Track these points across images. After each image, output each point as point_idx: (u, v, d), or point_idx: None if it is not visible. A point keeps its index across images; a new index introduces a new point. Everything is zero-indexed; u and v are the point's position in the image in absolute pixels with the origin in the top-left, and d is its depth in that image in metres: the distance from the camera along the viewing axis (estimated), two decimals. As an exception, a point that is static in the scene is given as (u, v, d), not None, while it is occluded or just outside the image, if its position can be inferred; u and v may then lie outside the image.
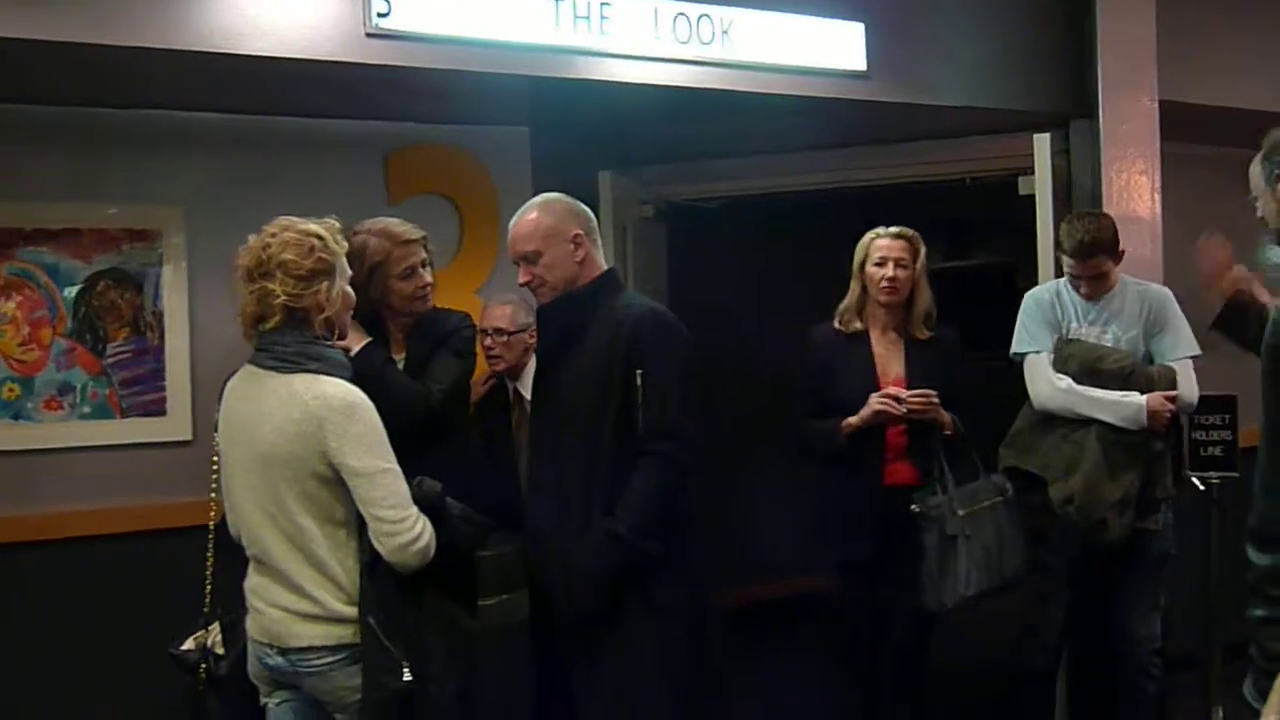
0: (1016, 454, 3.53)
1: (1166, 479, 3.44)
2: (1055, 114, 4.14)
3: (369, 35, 3.10)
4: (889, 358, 3.52)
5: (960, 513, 3.32)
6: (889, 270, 3.47)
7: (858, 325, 3.54)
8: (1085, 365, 3.41)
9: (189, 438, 3.58)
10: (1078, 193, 4.08)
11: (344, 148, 3.81)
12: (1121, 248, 3.47)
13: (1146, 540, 3.44)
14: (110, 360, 3.53)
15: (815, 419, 3.49)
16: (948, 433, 3.40)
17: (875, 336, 3.54)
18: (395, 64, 3.16)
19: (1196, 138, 4.53)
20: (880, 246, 3.50)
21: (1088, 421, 3.36)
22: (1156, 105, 4.01)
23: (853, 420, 3.39)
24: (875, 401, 3.37)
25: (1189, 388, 3.41)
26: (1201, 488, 3.85)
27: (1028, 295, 3.60)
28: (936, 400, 3.37)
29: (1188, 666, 4.08)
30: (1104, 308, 3.49)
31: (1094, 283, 3.46)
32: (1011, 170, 4.24)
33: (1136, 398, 3.34)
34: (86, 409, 3.49)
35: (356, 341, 2.77)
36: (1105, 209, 3.95)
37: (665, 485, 2.64)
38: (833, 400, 3.47)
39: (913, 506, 3.31)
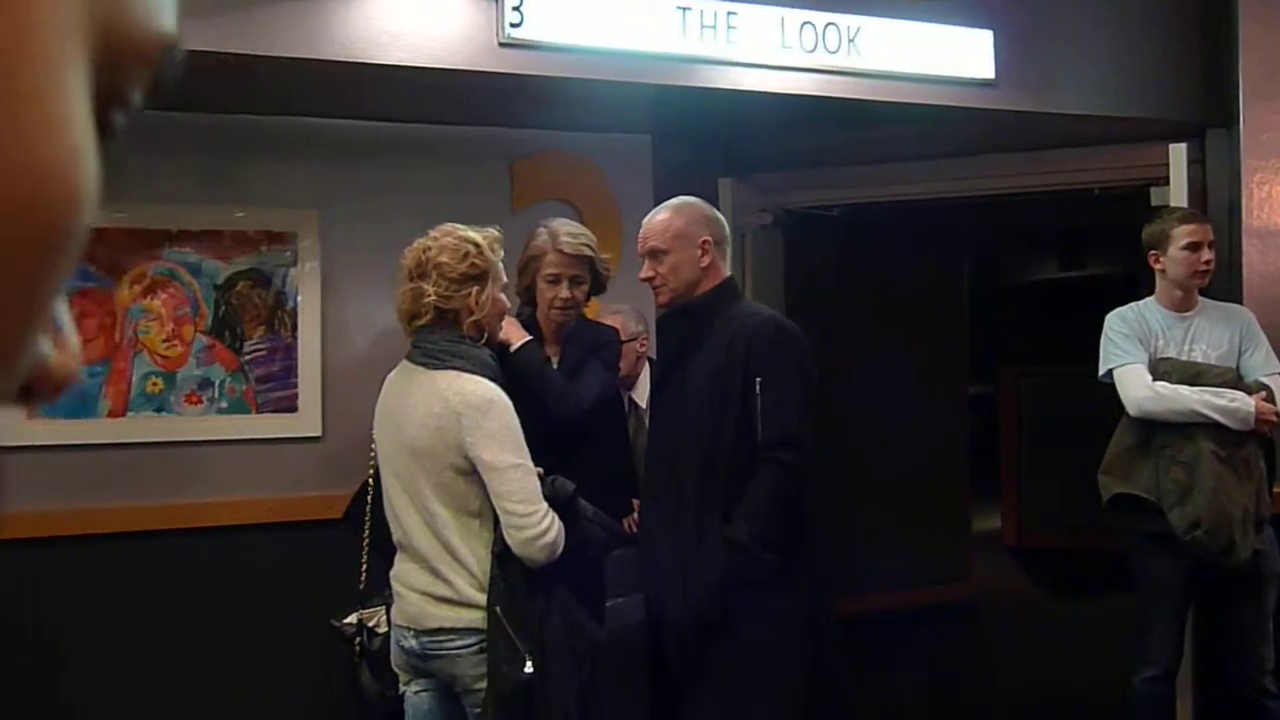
0: (1118, 480, 3.44)
1: (1267, 495, 3.37)
2: (1191, 122, 4.02)
3: (502, 45, 3.18)
4: None
5: None
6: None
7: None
8: (1185, 380, 3.34)
9: (319, 434, 3.70)
10: (1214, 204, 3.95)
11: (470, 154, 3.90)
12: None
13: (1255, 560, 3.35)
14: (247, 357, 3.67)
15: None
16: None
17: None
18: (526, 73, 3.23)
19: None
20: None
21: (1191, 436, 3.27)
22: (1301, 113, 3.85)
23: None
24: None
25: None
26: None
27: (1111, 315, 3.52)
28: None
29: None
30: (1189, 327, 3.44)
31: (1205, 267, 3.41)
32: (1143, 180, 4.13)
33: (1244, 397, 3.26)
34: (224, 403, 3.64)
35: (518, 339, 2.86)
36: (1245, 221, 3.83)
37: (783, 494, 2.64)
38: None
39: None
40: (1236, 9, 3.87)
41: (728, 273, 2.88)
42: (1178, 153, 3.90)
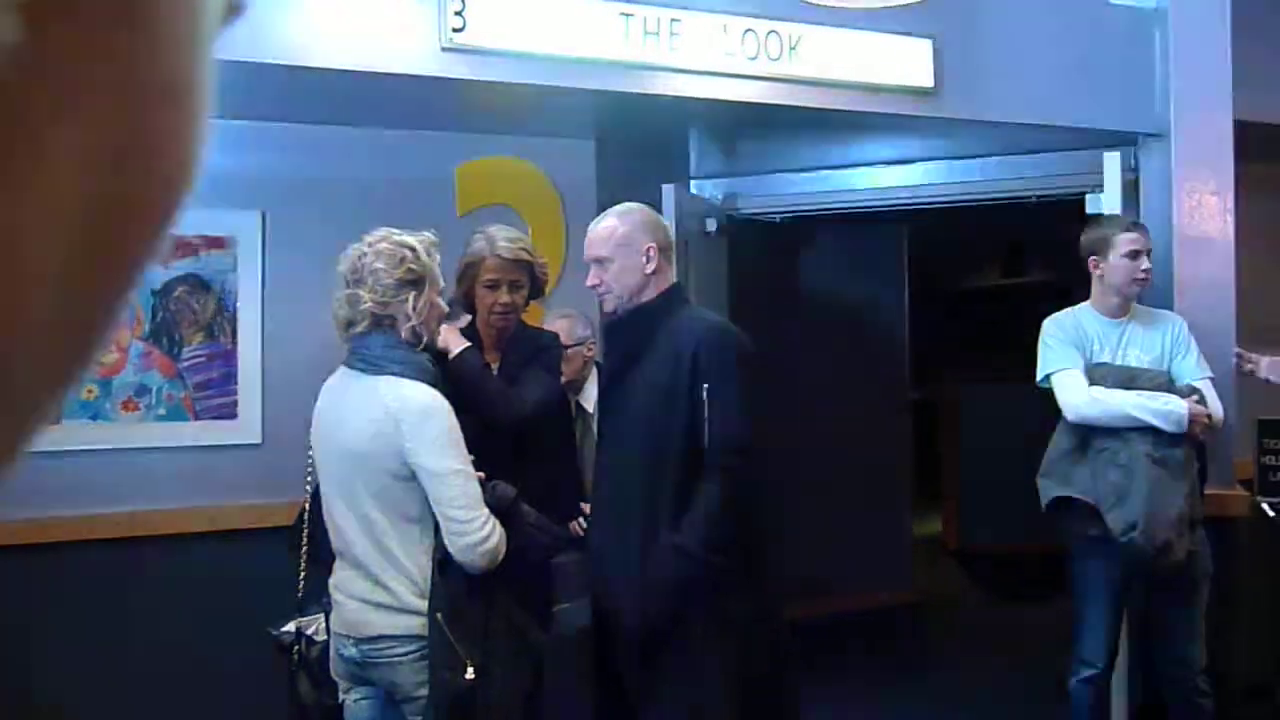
0: (1057, 484, 3.49)
1: (1200, 497, 3.43)
2: (1125, 132, 4.11)
3: (444, 49, 3.17)
4: None
5: None
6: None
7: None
8: (1120, 384, 3.40)
9: (258, 441, 3.65)
10: (1147, 212, 4.04)
11: (414, 159, 3.88)
12: None
13: (1189, 561, 3.40)
14: (185, 364, 3.61)
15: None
16: None
17: None
18: (469, 78, 3.22)
19: (1276, 157, 4.47)
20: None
21: (1127, 439, 3.33)
22: (1231, 124, 3.95)
23: None
24: None
25: (1217, 405, 3.42)
26: (1271, 513, 3.79)
27: (1048, 321, 3.58)
28: None
29: (1259, 696, 4.00)
30: (1123, 333, 3.51)
31: (1144, 275, 3.49)
32: (1079, 189, 4.21)
33: (1178, 400, 3.33)
34: (161, 411, 3.58)
35: (456, 345, 2.85)
36: (1176, 229, 3.92)
37: (731, 500, 2.65)
38: None
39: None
40: (1169, 22, 3.96)
41: (674, 279, 2.89)
42: (1112, 161, 3.98)
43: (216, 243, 3.65)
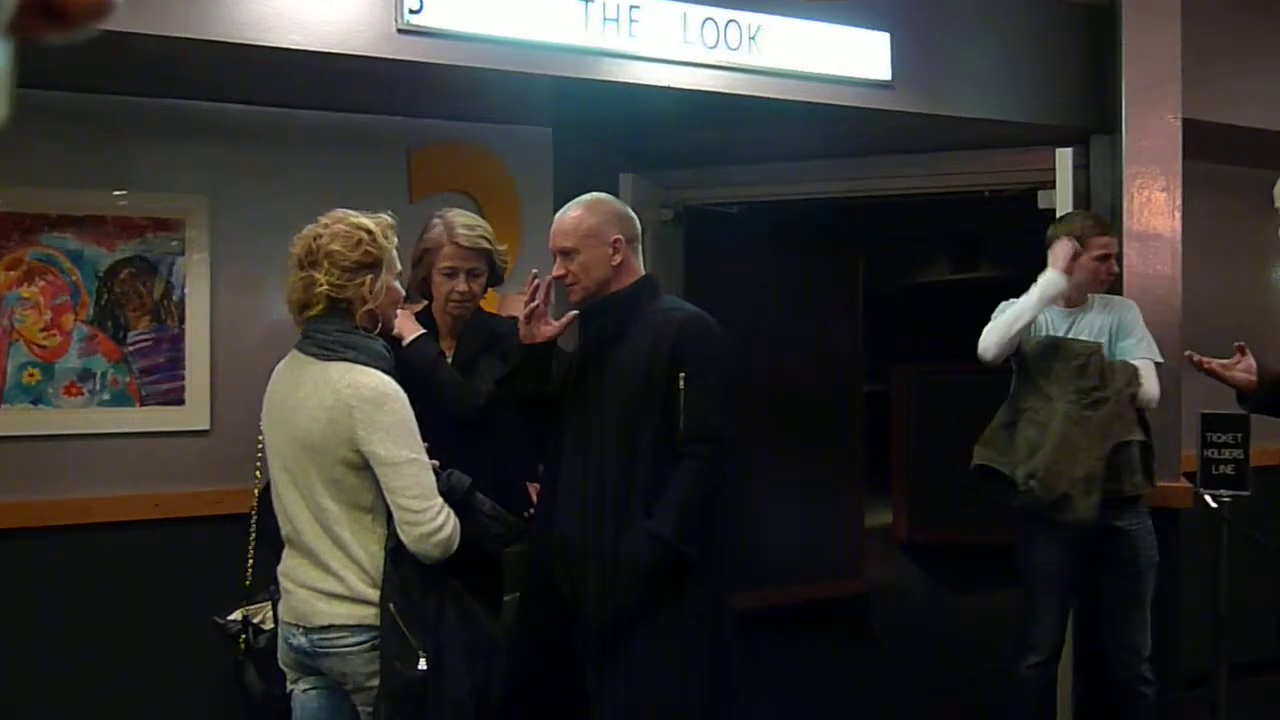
0: (993, 452, 3.54)
1: (1137, 476, 3.47)
2: (1077, 129, 4.16)
3: (400, 31, 3.12)
4: None
5: None
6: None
7: None
8: (1043, 349, 3.47)
9: (207, 427, 3.59)
10: (1097, 207, 4.09)
11: (368, 143, 3.83)
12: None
13: (1127, 544, 3.49)
14: (131, 348, 3.54)
15: None
16: None
17: None
18: (425, 61, 3.18)
19: (1221, 157, 4.55)
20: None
21: (1050, 399, 3.39)
22: (1179, 123, 4.01)
23: None
24: None
25: (1151, 384, 3.47)
26: (1214, 505, 3.86)
27: (1001, 305, 3.61)
28: None
29: (1196, 685, 4.08)
30: (1074, 321, 3.57)
31: (1110, 278, 3.57)
32: (1031, 184, 4.26)
33: (1047, 272, 3.45)
34: (106, 396, 3.50)
35: (410, 332, 2.82)
36: (1125, 224, 3.97)
37: (704, 488, 2.64)
38: None
39: None
40: (1120, 20, 4.01)
41: (641, 269, 2.87)
42: (1064, 157, 4.03)
43: (164, 224, 3.58)
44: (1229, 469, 3.87)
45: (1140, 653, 3.53)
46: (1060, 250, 3.52)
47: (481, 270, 2.96)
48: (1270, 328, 3.06)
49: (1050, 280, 3.47)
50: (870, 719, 4.65)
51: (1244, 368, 3.01)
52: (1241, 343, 3.06)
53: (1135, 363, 3.49)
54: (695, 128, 4.09)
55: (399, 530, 2.29)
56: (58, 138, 3.43)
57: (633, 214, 2.88)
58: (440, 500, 2.31)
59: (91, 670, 3.40)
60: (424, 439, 2.34)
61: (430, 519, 2.28)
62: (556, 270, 2.79)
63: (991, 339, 3.45)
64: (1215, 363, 3.03)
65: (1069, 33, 4.17)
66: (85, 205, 3.49)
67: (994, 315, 3.57)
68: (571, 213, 2.80)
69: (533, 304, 2.74)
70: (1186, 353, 3.11)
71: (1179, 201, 4.01)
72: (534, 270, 2.80)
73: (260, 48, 2.99)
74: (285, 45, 3.00)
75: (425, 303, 3.03)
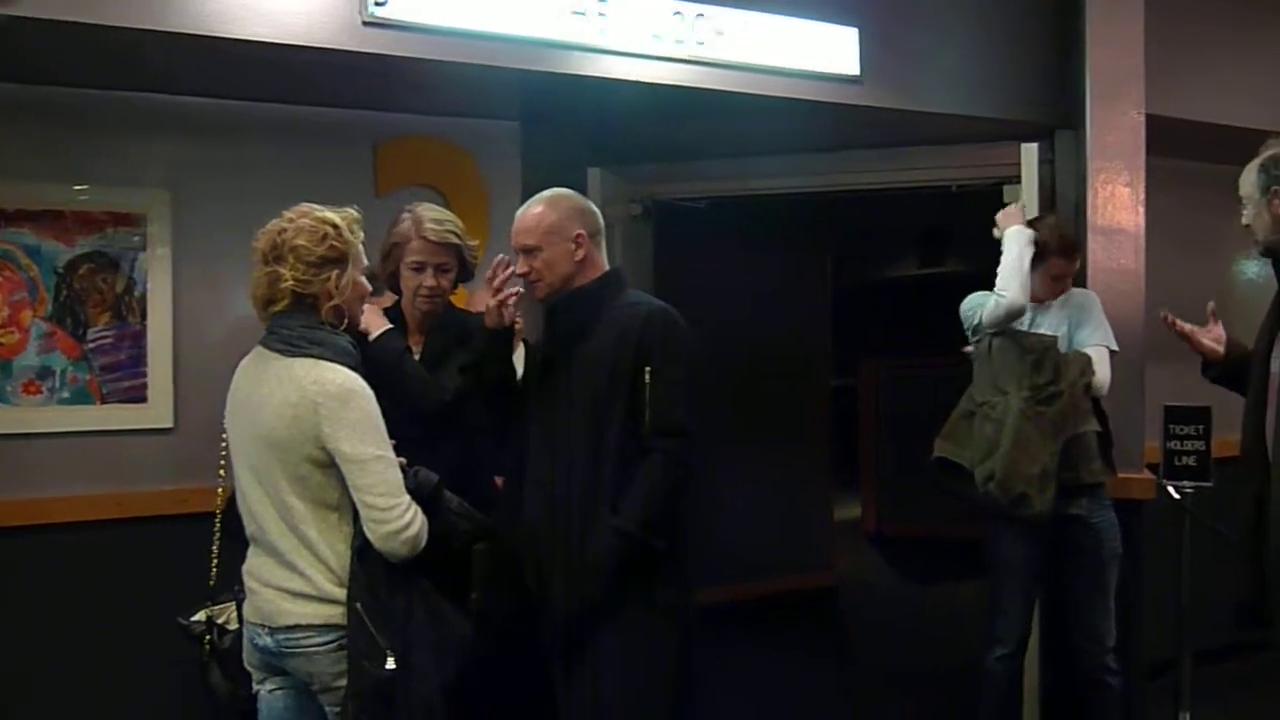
0: (954, 446, 3.58)
1: (1094, 463, 3.51)
2: (1042, 124, 4.19)
3: (365, 24, 3.10)
4: None
5: None
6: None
7: None
8: (1004, 336, 3.50)
9: (170, 425, 3.54)
10: (1062, 202, 4.13)
11: (333, 136, 3.78)
12: None
13: (1090, 535, 3.52)
14: (91, 345, 3.48)
15: None
16: None
17: None
18: (390, 53, 3.15)
19: (1182, 152, 4.59)
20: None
21: (1005, 393, 3.43)
22: (1143, 118, 4.05)
23: None
24: None
25: (1103, 371, 3.51)
26: (1176, 496, 3.90)
27: (966, 299, 3.66)
28: None
29: (1160, 674, 4.13)
30: (1034, 316, 3.60)
31: (1061, 288, 3.62)
32: (997, 179, 4.28)
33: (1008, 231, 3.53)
34: (66, 394, 3.45)
35: (376, 327, 2.79)
36: (1089, 219, 4.00)
37: (670, 483, 2.64)
38: None
39: None
40: (1085, 17, 4.04)
41: (606, 264, 2.85)
42: (1029, 152, 4.05)
43: (125, 219, 3.52)
44: (1191, 460, 3.92)
45: (1105, 643, 3.56)
46: (1011, 212, 3.62)
47: (450, 265, 2.93)
48: (1232, 321, 3.08)
49: (1017, 233, 3.52)
50: (839, 712, 4.67)
51: (1214, 337, 3.03)
52: (1213, 304, 3.09)
53: (1088, 350, 3.52)
54: (664, 122, 4.08)
55: (365, 528, 2.27)
56: (14, 131, 3.37)
57: (595, 208, 2.86)
58: (407, 498, 2.29)
59: (53, 672, 3.35)
60: (390, 435, 2.31)
61: (397, 517, 2.26)
62: (520, 268, 2.78)
63: (1012, 285, 3.44)
64: (1187, 326, 3.05)
65: (1035, 29, 4.20)
66: (43, 199, 3.43)
67: (970, 308, 3.62)
68: (533, 209, 2.78)
69: (501, 291, 2.74)
70: (1161, 312, 3.12)
71: (1143, 196, 4.05)
72: (500, 255, 2.79)
73: (223, 39, 2.95)
74: (248, 37, 2.96)
75: (395, 298, 3.00)
